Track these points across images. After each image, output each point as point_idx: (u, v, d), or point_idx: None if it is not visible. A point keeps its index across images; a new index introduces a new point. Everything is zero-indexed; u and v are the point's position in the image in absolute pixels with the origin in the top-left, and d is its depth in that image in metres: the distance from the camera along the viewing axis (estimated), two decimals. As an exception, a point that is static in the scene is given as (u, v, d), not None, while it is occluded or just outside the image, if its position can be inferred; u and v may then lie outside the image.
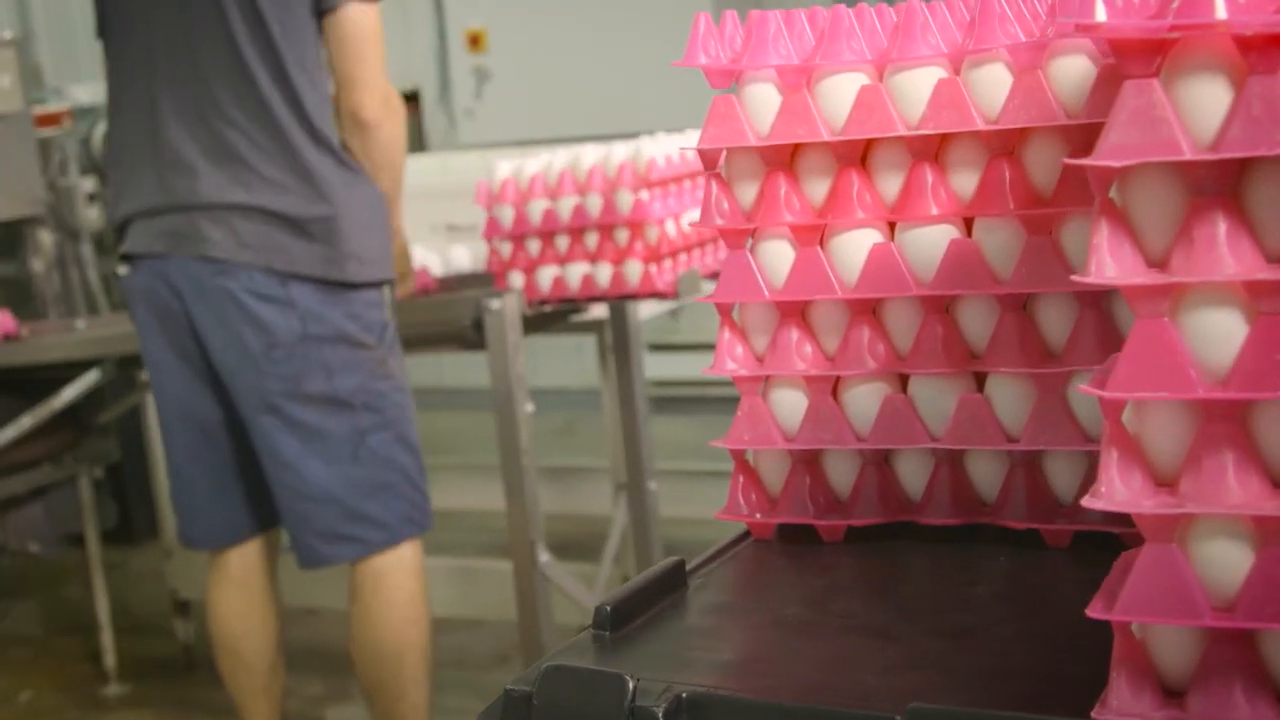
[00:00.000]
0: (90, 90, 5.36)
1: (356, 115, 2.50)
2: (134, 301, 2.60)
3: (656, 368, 4.45)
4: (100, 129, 4.91)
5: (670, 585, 1.00)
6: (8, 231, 4.40)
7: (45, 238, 4.40)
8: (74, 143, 4.70)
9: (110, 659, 3.81)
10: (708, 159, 1.09)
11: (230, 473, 2.66)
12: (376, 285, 2.55)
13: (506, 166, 2.84)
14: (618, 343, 3.28)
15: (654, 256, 2.68)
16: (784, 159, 1.07)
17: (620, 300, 2.90)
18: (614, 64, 5.42)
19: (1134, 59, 0.68)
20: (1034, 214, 1.00)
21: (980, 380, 1.06)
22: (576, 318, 3.18)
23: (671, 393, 4.66)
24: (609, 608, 0.93)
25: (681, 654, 0.91)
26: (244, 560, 2.76)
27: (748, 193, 1.09)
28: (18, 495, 3.62)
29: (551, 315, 3.00)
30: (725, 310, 1.11)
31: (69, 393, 3.43)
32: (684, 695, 0.81)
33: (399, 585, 2.58)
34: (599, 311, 3.24)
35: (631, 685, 0.81)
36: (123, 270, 2.61)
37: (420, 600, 2.62)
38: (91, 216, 4.64)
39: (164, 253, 2.51)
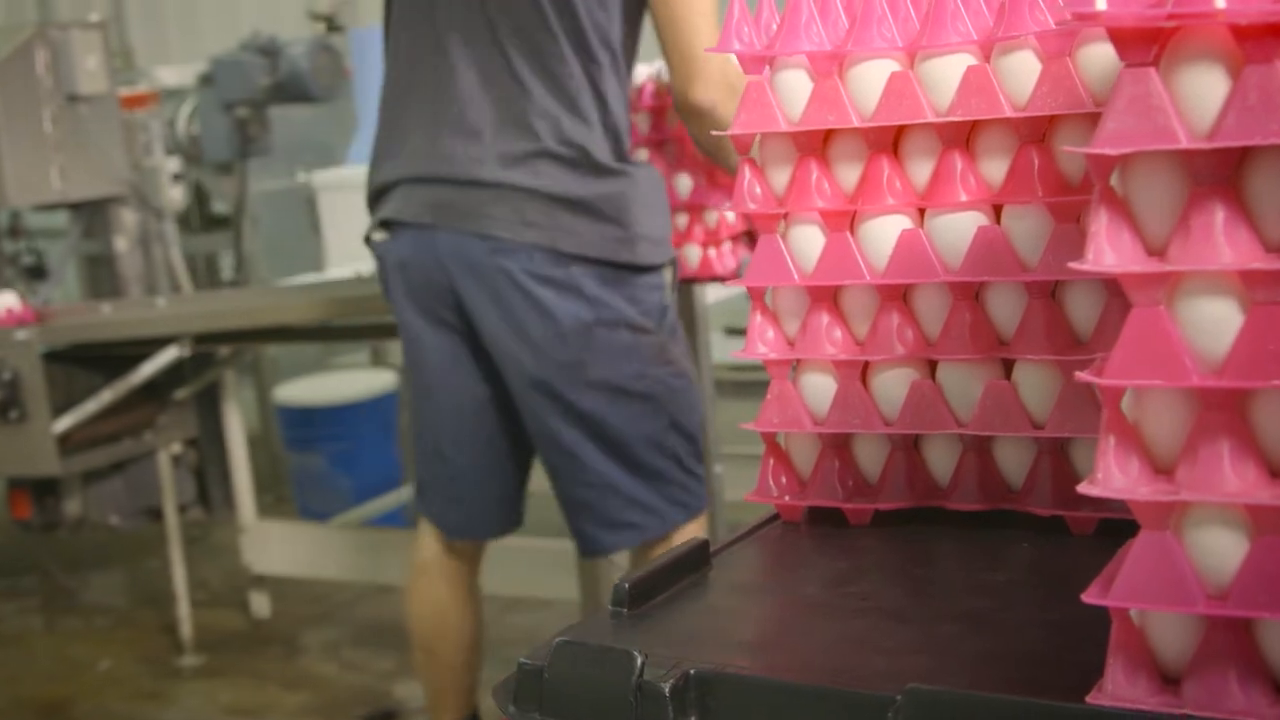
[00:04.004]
0: (177, 73, 5.45)
1: (684, 100, 2.29)
2: (389, 271, 2.43)
3: (731, 352, 4.44)
4: (185, 111, 5.00)
5: (692, 565, 1.02)
6: (93, 210, 4.49)
7: (129, 217, 4.49)
8: (159, 124, 4.79)
9: (186, 631, 3.89)
10: (741, 144, 1.10)
11: (496, 456, 2.51)
12: (659, 268, 2.40)
13: None
14: (684, 326, 3.29)
15: (713, 240, 2.67)
16: (815, 145, 1.07)
17: (685, 284, 2.91)
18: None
19: (1132, 47, 0.68)
20: (1062, 201, 1.00)
21: (1008, 367, 1.07)
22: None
23: (747, 376, 4.66)
24: (627, 585, 0.94)
25: (696, 632, 0.92)
26: (456, 552, 2.62)
27: (780, 177, 1.10)
28: (99, 469, 3.70)
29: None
30: (757, 294, 1.12)
31: (149, 368, 3.51)
32: (691, 672, 0.82)
33: None
34: (666, 296, 3.25)
35: (639, 661, 0.83)
36: (379, 236, 2.44)
37: None
38: (174, 196, 4.73)
39: (432, 224, 2.34)
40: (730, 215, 2.68)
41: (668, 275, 2.43)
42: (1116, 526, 1.02)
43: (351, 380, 4.96)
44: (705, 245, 2.68)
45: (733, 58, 1.44)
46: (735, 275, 2.75)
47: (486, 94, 2.31)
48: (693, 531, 2.50)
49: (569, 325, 2.31)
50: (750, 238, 2.79)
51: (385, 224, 2.42)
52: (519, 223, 2.28)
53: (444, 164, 2.33)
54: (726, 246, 2.73)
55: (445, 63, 2.34)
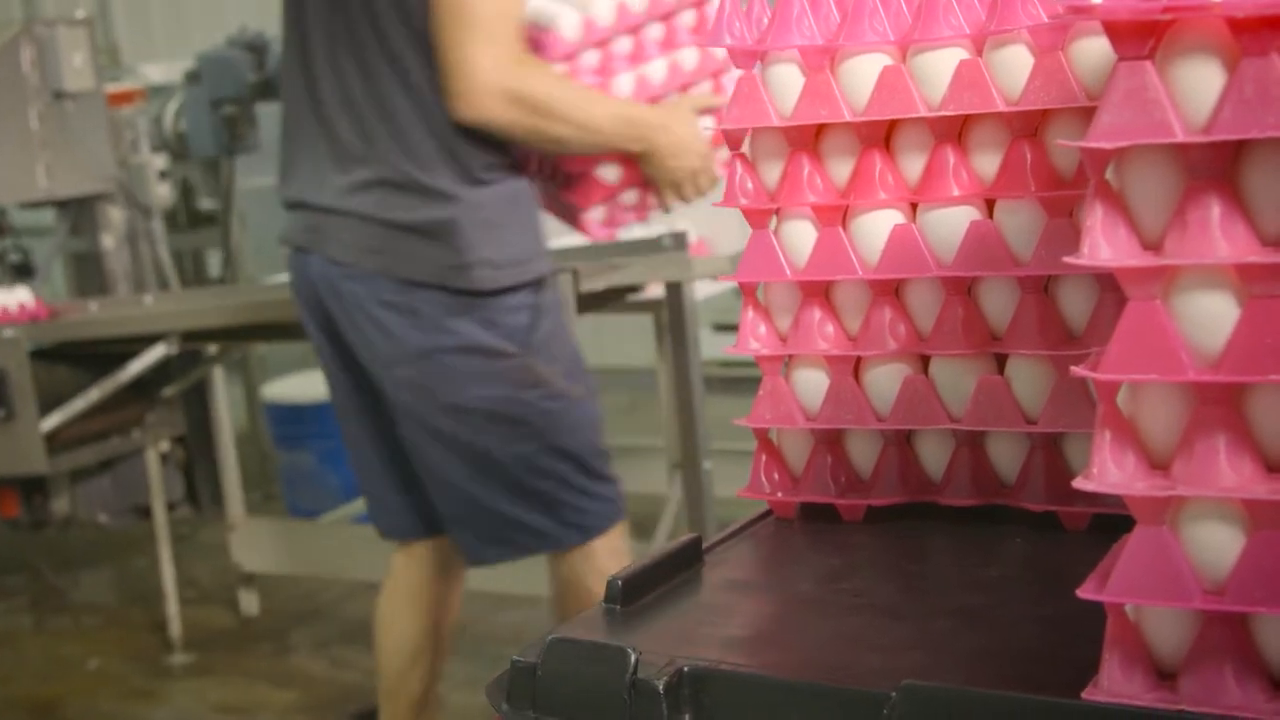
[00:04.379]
0: (164, 69, 5.43)
1: (455, 115, 2.25)
2: (292, 288, 2.53)
3: (721, 348, 4.44)
4: (171, 108, 4.99)
5: (685, 561, 1.01)
6: (79, 208, 4.47)
7: (116, 214, 4.47)
8: (146, 121, 4.77)
9: (175, 629, 3.88)
10: (732, 139, 1.10)
11: (401, 462, 2.47)
12: (519, 289, 2.33)
13: None
14: (673, 322, 3.29)
15: (594, 198, 2.48)
16: (807, 139, 1.07)
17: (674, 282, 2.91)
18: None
19: (1128, 41, 0.68)
20: (1055, 196, 1.00)
21: (1000, 362, 1.07)
22: (633, 298, 3.19)
23: (737, 373, 4.66)
24: (620, 582, 0.94)
25: (690, 629, 0.92)
26: (408, 556, 2.59)
27: (771, 173, 1.09)
28: (87, 467, 3.69)
29: (606, 295, 3.00)
30: (749, 290, 1.12)
31: (136, 366, 3.50)
32: (685, 669, 0.82)
33: (577, 583, 2.41)
34: (655, 291, 3.25)
35: (633, 658, 0.82)
36: (285, 250, 2.53)
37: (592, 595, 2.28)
38: (162, 193, 4.70)
39: (306, 247, 2.41)
40: (611, 176, 2.54)
41: (545, 295, 2.37)
42: (1110, 522, 1.02)
43: (340, 377, 4.94)
44: (585, 207, 2.54)
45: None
46: (612, 238, 2.66)
47: (340, 121, 2.36)
48: (608, 545, 2.44)
49: (412, 350, 2.31)
50: (652, 186, 2.52)
51: (284, 242, 2.52)
52: (363, 249, 2.32)
53: (312, 190, 2.40)
54: (631, 197, 2.51)
55: (313, 88, 2.39)
